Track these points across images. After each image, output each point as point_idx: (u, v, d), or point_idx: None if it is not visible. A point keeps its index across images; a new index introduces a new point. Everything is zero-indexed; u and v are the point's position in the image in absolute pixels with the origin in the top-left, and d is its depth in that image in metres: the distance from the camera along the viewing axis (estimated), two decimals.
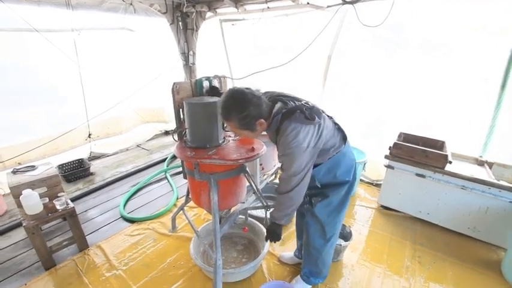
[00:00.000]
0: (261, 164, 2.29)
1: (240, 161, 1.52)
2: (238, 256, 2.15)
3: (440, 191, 2.36)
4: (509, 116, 2.39)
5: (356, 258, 2.18)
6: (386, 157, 2.55)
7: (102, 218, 2.71)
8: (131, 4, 3.30)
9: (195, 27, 3.80)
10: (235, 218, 1.95)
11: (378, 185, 3.19)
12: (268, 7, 3.05)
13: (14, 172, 2.34)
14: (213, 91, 1.88)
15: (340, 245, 2.01)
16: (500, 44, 2.30)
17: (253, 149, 1.60)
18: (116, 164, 3.94)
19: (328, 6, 2.80)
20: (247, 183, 1.93)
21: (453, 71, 2.56)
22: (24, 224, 1.94)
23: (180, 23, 3.76)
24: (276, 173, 2.71)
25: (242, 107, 1.28)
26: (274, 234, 1.55)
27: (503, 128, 2.44)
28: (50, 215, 2.05)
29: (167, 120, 5.07)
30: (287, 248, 2.29)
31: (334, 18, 2.78)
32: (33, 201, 1.99)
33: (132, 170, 3.70)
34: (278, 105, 1.36)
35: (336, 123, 1.48)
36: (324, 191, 1.54)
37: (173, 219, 2.45)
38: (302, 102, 1.38)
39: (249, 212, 2.21)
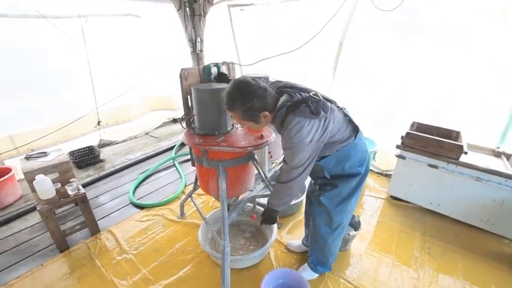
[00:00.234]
0: (269, 152, 2.27)
1: (249, 148, 1.50)
2: (246, 243, 2.18)
3: (453, 182, 2.30)
4: None
5: (364, 248, 2.18)
6: (397, 147, 2.50)
7: (112, 204, 2.77)
8: None
9: (202, 13, 3.72)
10: (243, 206, 1.96)
11: (387, 175, 3.15)
12: None
13: (27, 158, 2.39)
14: (222, 77, 1.85)
15: (349, 234, 2.00)
16: None
17: (262, 137, 1.58)
18: (125, 151, 4.00)
19: None
20: (256, 171, 1.92)
21: (468, 57, 2.46)
22: (38, 208, 2.00)
23: (188, 8, 3.68)
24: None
25: (246, 99, 1.27)
26: (270, 219, 1.62)
27: None
28: (62, 200, 2.11)
29: (175, 108, 5.08)
30: (295, 236, 2.30)
31: (346, 2, 2.67)
32: (45, 186, 2.04)
33: (141, 157, 3.75)
34: (283, 97, 1.33)
35: (346, 115, 1.44)
36: (333, 181, 1.52)
37: (181, 206, 2.49)
38: (310, 93, 1.34)
39: (257, 200, 2.21)
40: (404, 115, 2.86)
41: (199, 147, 1.54)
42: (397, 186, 2.66)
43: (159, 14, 4.05)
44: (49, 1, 2.98)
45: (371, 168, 3.24)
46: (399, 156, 2.52)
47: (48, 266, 2.04)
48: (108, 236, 2.32)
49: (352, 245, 2.17)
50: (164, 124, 5.06)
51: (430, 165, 2.37)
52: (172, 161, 3.61)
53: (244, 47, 4.19)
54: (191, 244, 2.21)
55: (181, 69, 1.67)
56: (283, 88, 1.38)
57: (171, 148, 4.02)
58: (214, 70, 1.84)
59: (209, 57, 4.13)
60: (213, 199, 2.79)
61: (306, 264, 1.90)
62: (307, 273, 1.85)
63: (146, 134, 4.65)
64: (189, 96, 1.73)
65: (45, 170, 2.22)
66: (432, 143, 2.30)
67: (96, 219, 2.36)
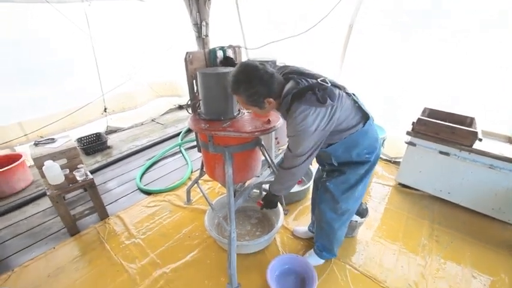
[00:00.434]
0: (276, 138, 2.24)
1: (256, 133, 1.48)
2: (252, 229, 2.19)
3: (465, 170, 2.25)
4: None
5: (371, 235, 2.17)
6: (408, 133, 2.44)
7: (120, 190, 2.81)
8: None
9: None
10: (249, 192, 1.96)
11: (396, 163, 3.10)
12: None
13: (36, 144, 2.42)
14: (228, 61, 1.81)
15: (356, 221, 1.99)
16: None
17: (269, 121, 1.55)
18: (132, 137, 4.02)
19: None
20: (263, 157, 1.90)
21: (486, 40, 2.33)
22: (48, 193, 2.04)
23: None
24: None
25: (252, 83, 1.24)
26: (271, 203, 1.68)
27: None
28: (71, 185, 2.14)
29: (181, 94, 5.05)
30: (301, 222, 2.30)
31: None
32: (54, 172, 2.07)
33: (147, 143, 3.77)
34: (289, 84, 1.29)
35: (356, 101, 1.39)
36: (341, 168, 1.49)
37: (188, 192, 2.51)
38: (318, 80, 1.29)
39: (263, 186, 2.21)
40: (415, 101, 2.77)
41: (205, 133, 1.52)
42: (406, 173, 2.62)
43: None
44: None
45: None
46: (409, 143, 2.47)
47: (60, 249, 2.10)
48: (117, 221, 2.36)
49: (359, 232, 2.16)
50: (170, 111, 5.05)
51: (441, 152, 2.31)
52: (178, 147, 3.62)
53: (250, 30, 4.09)
54: (198, 229, 2.24)
55: (187, 53, 1.63)
56: (290, 74, 1.34)
57: (177, 134, 4.03)
58: (220, 54, 1.80)
59: (215, 42, 4.05)
60: (219, 185, 2.80)
61: (312, 250, 1.90)
62: (313, 259, 1.86)
63: (152, 120, 4.66)
64: (194, 81, 1.70)
65: (53, 156, 2.25)
66: (445, 130, 2.23)
67: (105, 205, 2.40)
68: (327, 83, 1.29)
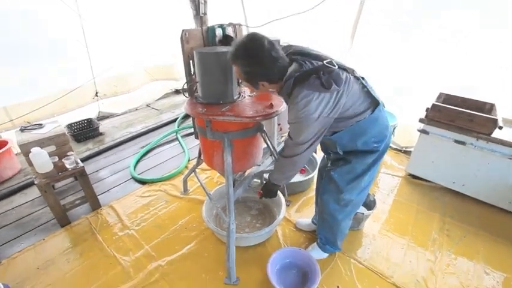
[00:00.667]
0: (279, 124, 2.19)
1: (257, 118, 1.43)
2: (252, 221, 2.18)
3: (482, 161, 2.20)
4: None
5: (378, 228, 2.15)
6: (421, 121, 2.38)
7: (113, 179, 2.79)
8: None
9: None
10: (250, 182, 1.93)
11: (406, 152, 3.06)
12: None
13: (22, 130, 2.38)
14: (227, 40, 1.73)
15: (363, 213, 1.96)
16: None
17: (271, 106, 1.49)
18: (125, 124, 3.98)
19: None
20: (264, 145, 1.86)
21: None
22: (36, 182, 2.02)
23: None
24: None
25: (248, 62, 1.21)
26: (271, 193, 1.67)
27: None
28: (60, 174, 2.11)
29: (177, 78, 4.97)
30: (304, 214, 2.29)
31: None
32: (42, 159, 2.04)
33: (142, 130, 3.74)
34: (292, 67, 1.24)
35: (365, 86, 1.33)
36: (347, 157, 1.45)
37: (184, 182, 2.49)
38: (325, 62, 1.23)
39: (265, 175, 2.18)
40: (430, 86, 2.69)
41: (203, 117, 1.48)
42: (417, 163, 2.58)
43: None
44: None
45: None
46: (422, 131, 2.41)
47: (49, 240, 2.09)
48: (110, 212, 2.35)
49: (365, 225, 2.14)
50: (166, 95, 4.99)
51: (456, 141, 2.25)
52: (175, 134, 3.59)
53: (251, 7, 3.95)
54: (195, 221, 2.23)
55: (183, 31, 1.56)
56: (293, 55, 1.28)
57: (174, 121, 3.98)
58: (219, 32, 1.72)
59: (214, 20, 3.93)
60: (218, 174, 2.78)
61: (315, 243, 1.89)
62: (316, 253, 1.85)
63: (147, 106, 4.60)
64: (191, 61, 1.63)
65: (40, 143, 2.21)
66: (461, 117, 2.16)
67: (97, 194, 2.39)
68: (334, 65, 1.23)
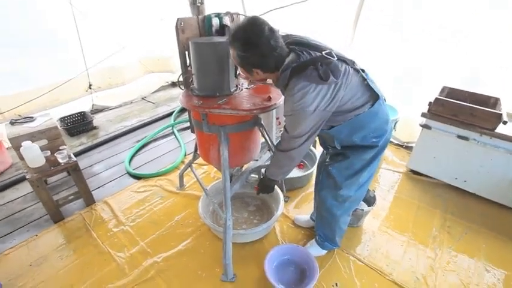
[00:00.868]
0: (277, 118, 2.19)
1: (254, 111, 1.42)
2: (250, 217, 2.18)
3: (485, 157, 2.20)
4: None
5: (378, 225, 2.16)
6: (423, 115, 2.37)
7: (107, 174, 2.78)
8: None
9: None
10: (247, 177, 1.92)
11: (408, 147, 3.06)
12: None
13: (12, 123, 2.36)
14: (224, 30, 1.71)
15: (362, 210, 1.97)
16: None
17: (269, 99, 1.48)
18: (120, 117, 3.96)
19: None
20: (262, 139, 1.85)
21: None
22: (27, 177, 2.00)
23: None
24: None
25: (245, 48, 1.18)
26: (267, 188, 1.66)
27: None
28: (52, 168, 2.10)
29: (173, 70, 4.93)
30: (303, 210, 2.29)
31: None
32: (33, 154, 2.02)
33: (137, 124, 3.72)
34: (289, 57, 1.22)
35: (365, 79, 1.31)
36: (345, 152, 1.44)
37: (181, 177, 2.48)
38: (323, 52, 1.21)
39: (262, 170, 2.18)
40: (433, 79, 2.67)
41: (199, 110, 1.46)
42: (419, 159, 2.58)
43: None
44: None
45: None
46: (424, 126, 2.40)
47: (42, 236, 2.09)
48: (104, 207, 2.35)
49: (364, 222, 2.15)
50: (162, 88, 4.95)
51: (459, 137, 2.25)
52: (171, 128, 3.57)
53: None
54: (191, 217, 2.23)
55: (178, 19, 1.53)
56: (291, 45, 1.26)
57: (170, 114, 3.97)
58: (215, 21, 1.69)
59: (211, 9, 3.87)
60: (215, 169, 2.77)
61: (314, 240, 1.90)
62: (315, 250, 1.86)
63: (143, 99, 4.57)
64: (186, 52, 1.61)
65: (32, 136, 2.20)
66: (465, 111, 2.15)
67: (91, 190, 2.38)
68: (333, 56, 1.21)
